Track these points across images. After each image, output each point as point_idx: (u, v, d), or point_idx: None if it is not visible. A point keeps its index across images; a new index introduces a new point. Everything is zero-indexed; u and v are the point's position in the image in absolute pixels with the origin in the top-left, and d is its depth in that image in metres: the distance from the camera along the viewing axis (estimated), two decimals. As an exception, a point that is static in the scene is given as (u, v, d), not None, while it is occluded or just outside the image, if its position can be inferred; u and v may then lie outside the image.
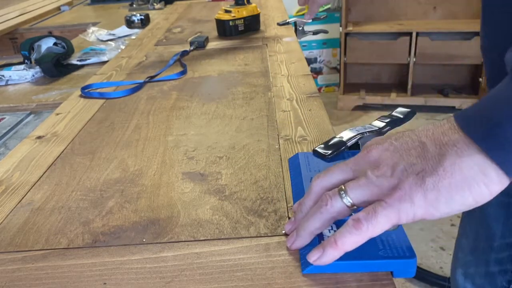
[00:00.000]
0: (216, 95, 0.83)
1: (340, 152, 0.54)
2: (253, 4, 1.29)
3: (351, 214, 0.41)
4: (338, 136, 0.56)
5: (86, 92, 0.89)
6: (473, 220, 0.77)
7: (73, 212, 0.51)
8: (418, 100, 2.75)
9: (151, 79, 0.94)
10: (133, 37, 1.42)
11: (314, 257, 0.37)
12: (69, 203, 0.53)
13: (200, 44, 1.17)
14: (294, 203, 0.48)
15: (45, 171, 0.61)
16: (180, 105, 0.80)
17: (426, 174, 0.34)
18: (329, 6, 3.05)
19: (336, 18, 3.02)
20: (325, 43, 3.13)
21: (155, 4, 1.90)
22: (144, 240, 0.45)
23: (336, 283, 0.37)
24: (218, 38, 1.27)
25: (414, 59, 2.66)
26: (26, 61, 1.14)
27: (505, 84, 0.34)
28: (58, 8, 2.08)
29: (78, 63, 1.16)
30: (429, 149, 0.34)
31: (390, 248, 0.38)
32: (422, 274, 1.55)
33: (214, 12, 1.43)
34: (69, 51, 1.18)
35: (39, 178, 0.59)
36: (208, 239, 0.44)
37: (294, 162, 0.56)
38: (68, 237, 0.47)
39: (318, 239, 0.40)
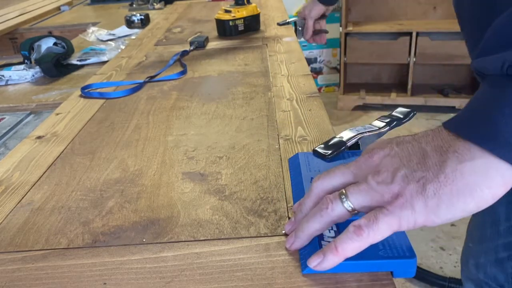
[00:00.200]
0: (216, 95, 0.83)
1: (340, 152, 0.54)
2: (253, 4, 1.29)
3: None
4: (338, 136, 0.56)
5: (86, 92, 0.89)
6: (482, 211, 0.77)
7: (73, 212, 0.51)
8: (418, 100, 2.75)
9: (151, 79, 0.94)
10: (133, 37, 1.42)
11: (314, 263, 0.37)
12: (69, 203, 0.53)
13: (200, 44, 1.17)
14: (294, 203, 0.48)
15: (45, 171, 0.61)
16: (180, 105, 0.80)
17: (427, 181, 0.34)
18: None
19: (336, 18, 3.02)
20: (325, 43, 3.13)
21: (155, 4, 1.90)
22: (144, 240, 0.45)
23: (336, 283, 0.37)
24: (218, 38, 1.27)
25: (414, 59, 2.66)
26: (26, 61, 1.14)
27: (487, 87, 0.35)
28: (58, 8, 2.08)
29: (78, 63, 1.16)
30: (430, 156, 0.34)
31: (390, 248, 0.38)
32: (422, 274, 1.55)
33: (214, 12, 1.43)
34: (69, 51, 1.18)
35: (39, 178, 0.59)
36: (208, 239, 0.44)
37: (294, 162, 0.56)
38: (68, 237, 0.47)
39: (318, 239, 0.40)
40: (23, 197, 0.55)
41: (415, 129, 2.55)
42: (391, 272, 0.38)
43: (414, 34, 2.59)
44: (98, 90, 0.90)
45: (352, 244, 0.35)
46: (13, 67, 1.11)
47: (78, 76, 1.09)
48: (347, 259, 0.37)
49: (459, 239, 1.72)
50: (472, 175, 0.32)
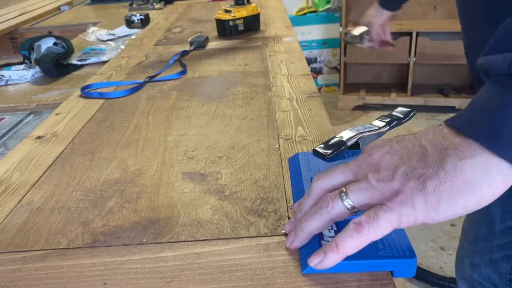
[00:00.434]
0: (216, 95, 0.83)
1: (340, 152, 0.54)
2: (253, 4, 1.29)
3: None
4: (338, 136, 0.56)
5: (86, 92, 0.89)
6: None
7: (73, 212, 0.51)
8: (418, 100, 2.75)
9: (151, 79, 0.94)
10: (133, 37, 1.42)
11: (315, 261, 0.37)
12: (69, 203, 0.53)
13: (200, 44, 1.17)
14: (294, 203, 0.48)
15: (45, 171, 0.61)
16: (180, 105, 0.80)
17: (427, 178, 0.34)
18: (329, 6, 3.05)
19: (336, 18, 3.02)
20: (325, 43, 3.14)
21: (155, 4, 1.90)
22: (144, 240, 0.45)
23: (336, 282, 0.37)
24: (218, 38, 1.27)
25: (414, 59, 2.66)
26: (26, 61, 1.14)
27: (492, 86, 0.35)
28: (58, 8, 2.08)
29: (78, 63, 1.16)
30: (430, 153, 0.35)
31: (390, 247, 0.38)
32: (422, 274, 1.55)
33: (214, 12, 1.43)
34: (69, 51, 1.18)
35: (39, 178, 0.59)
36: (208, 239, 0.44)
37: (294, 162, 0.56)
38: (68, 237, 0.47)
39: (318, 239, 0.40)
40: (23, 197, 0.55)
41: (415, 129, 2.55)
42: (391, 272, 0.38)
43: (414, 34, 2.59)
44: (98, 90, 0.90)
45: (352, 242, 0.35)
46: (13, 67, 1.11)
47: (78, 76, 1.09)
48: (347, 259, 0.37)
49: (459, 239, 1.72)
50: (473, 172, 0.32)
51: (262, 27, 1.33)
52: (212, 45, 1.20)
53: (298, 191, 0.49)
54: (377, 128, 0.56)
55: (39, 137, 0.71)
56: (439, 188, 0.33)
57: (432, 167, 0.34)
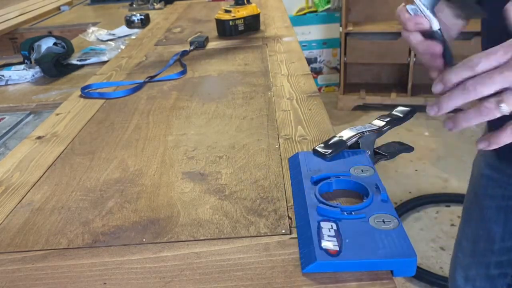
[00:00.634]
0: (216, 95, 0.83)
1: (340, 151, 0.54)
2: (253, 4, 1.29)
3: (344, 213, 0.41)
4: (338, 135, 0.56)
5: (86, 92, 0.89)
6: (472, 222, 0.77)
7: (73, 212, 0.51)
8: (418, 100, 2.74)
9: (151, 79, 0.94)
10: (133, 37, 1.42)
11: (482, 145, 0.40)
12: (69, 203, 0.53)
13: (200, 44, 1.17)
14: (294, 202, 0.48)
15: (45, 171, 0.61)
16: (180, 105, 0.80)
17: None
18: (329, 6, 3.05)
19: (336, 18, 3.02)
20: (325, 43, 3.14)
21: (155, 4, 1.90)
22: (144, 240, 0.45)
23: (336, 282, 0.37)
24: (218, 38, 1.27)
25: (414, 59, 2.66)
26: (26, 61, 1.14)
27: None
28: (58, 8, 2.08)
29: (78, 63, 1.16)
30: None
31: (390, 247, 0.38)
32: (422, 274, 1.55)
33: (214, 12, 1.43)
34: (69, 51, 1.18)
35: (39, 178, 0.59)
36: (208, 239, 0.44)
37: (294, 162, 0.56)
38: (68, 237, 0.47)
39: (318, 239, 0.40)
40: (23, 198, 0.55)
41: (415, 129, 2.55)
42: (391, 271, 0.38)
43: (414, 34, 2.59)
44: (98, 90, 0.90)
45: None
46: (13, 67, 1.11)
47: (78, 76, 1.09)
48: (347, 258, 0.37)
49: (459, 239, 1.72)
50: None
51: (262, 27, 1.33)
52: (212, 45, 1.20)
53: (298, 191, 0.49)
54: (377, 127, 0.56)
55: (39, 137, 0.71)
56: None
57: None
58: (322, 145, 0.56)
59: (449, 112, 0.43)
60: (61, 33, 1.65)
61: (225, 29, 1.26)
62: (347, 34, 2.72)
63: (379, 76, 3.04)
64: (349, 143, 0.55)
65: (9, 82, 1.08)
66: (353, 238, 0.40)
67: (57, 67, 1.10)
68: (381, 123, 0.56)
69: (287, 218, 0.46)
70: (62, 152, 0.66)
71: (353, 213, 0.43)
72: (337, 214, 0.43)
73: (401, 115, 0.58)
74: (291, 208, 0.48)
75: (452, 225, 1.80)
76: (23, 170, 0.61)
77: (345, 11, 2.71)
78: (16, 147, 0.69)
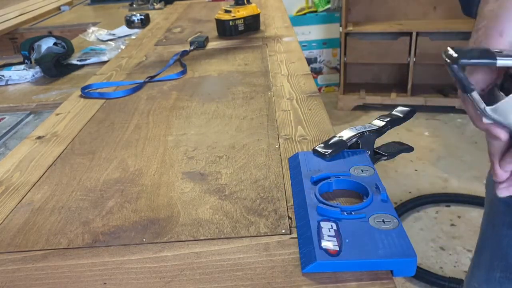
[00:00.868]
0: (216, 95, 0.83)
1: (340, 151, 0.54)
2: (253, 4, 1.29)
3: (344, 213, 0.41)
4: (338, 135, 0.56)
5: (86, 92, 0.89)
6: (487, 250, 0.76)
7: (73, 212, 0.51)
8: (418, 100, 2.74)
9: (151, 79, 0.94)
10: (133, 37, 1.42)
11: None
12: (69, 203, 0.53)
13: (200, 44, 1.17)
14: (294, 202, 0.48)
15: (45, 171, 0.61)
16: (180, 105, 0.80)
17: None
18: (329, 6, 3.06)
19: (336, 18, 3.02)
20: (325, 43, 3.14)
21: (155, 4, 1.90)
22: (144, 240, 0.45)
23: (336, 282, 0.37)
24: (218, 38, 1.27)
25: (414, 59, 2.66)
26: (26, 61, 1.14)
27: None
28: (58, 8, 2.08)
29: (78, 63, 1.16)
30: None
31: (390, 247, 0.38)
32: (422, 274, 1.55)
33: (214, 12, 1.43)
34: (69, 51, 1.18)
35: (39, 178, 0.59)
36: (208, 239, 0.44)
37: (294, 162, 0.56)
38: (68, 237, 0.47)
39: (318, 239, 0.40)
40: (23, 197, 0.55)
41: (416, 129, 2.55)
42: (391, 271, 0.38)
43: (414, 34, 2.59)
44: (98, 90, 0.90)
45: None
46: (13, 67, 1.11)
47: (78, 76, 1.09)
48: (347, 258, 0.37)
49: (459, 239, 1.72)
50: None
51: (262, 27, 1.33)
52: (212, 45, 1.20)
53: (298, 191, 0.49)
54: (377, 127, 0.56)
55: (39, 137, 0.71)
56: None
57: None
58: (322, 145, 0.56)
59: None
60: (61, 33, 1.65)
61: (225, 29, 1.26)
62: (347, 34, 2.72)
63: (379, 76, 3.04)
64: (349, 143, 0.55)
65: (9, 82, 1.08)
66: (353, 238, 0.40)
67: (57, 67, 1.10)
68: (381, 123, 0.56)
69: (287, 218, 0.46)
70: (62, 152, 0.66)
71: (353, 213, 0.43)
72: (337, 214, 0.43)
73: (401, 115, 0.58)
74: (291, 208, 0.48)
75: (452, 225, 1.80)
76: (23, 170, 0.61)
77: (345, 11, 2.71)
78: (16, 147, 0.69)
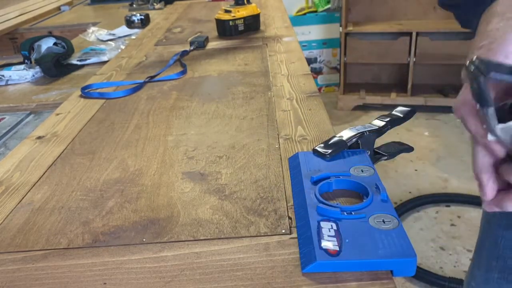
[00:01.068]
0: (216, 95, 0.83)
1: (340, 151, 0.54)
2: (253, 4, 1.29)
3: (344, 213, 0.41)
4: (338, 135, 0.56)
5: (86, 92, 0.89)
6: (485, 251, 0.76)
7: (73, 212, 0.51)
8: (418, 100, 2.74)
9: (151, 79, 0.94)
10: (133, 37, 1.42)
11: None
12: (69, 203, 0.53)
13: (200, 44, 1.17)
14: (294, 202, 0.48)
15: (45, 171, 0.61)
16: (180, 105, 0.80)
17: None
18: (329, 6, 3.06)
19: (336, 18, 3.02)
20: (325, 43, 3.14)
21: (155, 4, 1.90)
22: (144, 240, 0.45)
23: (336, 282, 0.37)
24: (218, 38, 1.27)
25: (414, 59, 2.66)
26: (26, 61, 1.14)
27: None
28: (58, 8, 2.08)
29: (78, 63, 1.16)
30: None
31: (390, 247, 0.38)
32: (422, 274, 1.55)
33: (214, 12, 1.43)
34: (69, 51, 1.18)
35: (39, 178, 0.59)
36: (208, 239, 0.44)
37: (294, 162, 0.56)
38: (68, 237, 0.47)
39: (318, 239, 0.40)
40: (23, 197, 0.55)
41: (415, 129, 2.55)
42: (391, 271, 0.38)
43: (414, 34, 2.59)
44: (98, 90, 0.90)
45: None
46: (13, 67, 1.11)
47: (78, 76, 1.09)
48: (347, 258, 0.37)
49: (459, 239, 1.72)
50: None
51: (262, 27, 1.33)
52: (212, 45, 1.20)
53: (298, 191, 0.49)
54: (377, 127, 0.56)
55: (39, 137, 0.71)
56: None
57: None
58: (322, 145, 0.56)
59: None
60: (61, 33, 1.65)
61: (225, 29, 1.26)
62: (347, 34, 2.72)
63: (379, 76, 3.04)
64: (349, 143, 0.55)
65: (9, 82, 1.08)
66: (353, 238, 0.40)
67: (57, 67, 1.10)
68: (381, 123, 0.56)
69: (287, 218, 0.46)
70: (62, 152, 0.66)
71: (353, 213, 0.43)
72: (337, 214, 0.43)
73: (401, 115, 0.58)
74: (291, 208, 0.48)
75: (452, 225, 1.80)
76: (23, 170, 0.61)
77: (345, 11, 2.71)
78: (16, 147, 0.69)
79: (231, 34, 1.26)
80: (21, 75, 1.08)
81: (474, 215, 1.84)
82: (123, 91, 0.88)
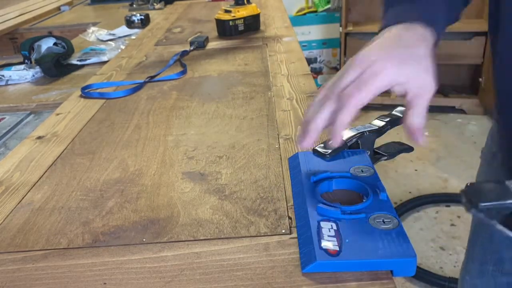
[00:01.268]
0: (216, 95, 0.83)
1: (340, 151, 0.54)
2: (253, 4, 1.29)
3: (344, 213, 0.41)
4: (338, 135, 0.56)
5: (86, 92, 0.89)
6: (479, 244, 0.77)
7: (73, 212, 0.51)
8: (418, 100, 2.74)
9: (151, 79, 0.94)
10: (133, 37, 1.42)
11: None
12: (69, 203, 0.53)
13: (200, 44, 1.17)
14: (294, 202, 0.48)
15: (45, 171, 0.61)
16: (180, 105, 0.80)
17: None
18: (329, 6, 3.06)
19: (336, 18, 3.02)
20: (325, 43, 3.13)
21: (155, 4, 1.90)
22: (144, 240, 0.45)
23: (336, 282, 0.37)
24: (218, 38, 1.27)
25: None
26: (26, 61, 1.14)
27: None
28: (58, 8, 2.08)
29: (78, 63, 1.16)
30: None
31: (390, 247, 0.38)
32: (422, 274, 1.55)
33: (214, 12, 1.43)
34: (69, 51, 1.18)
35: (39, 178, 0.59)
36: (208, 239, 0.44)
37: (294, 162, 0.56)
38: (68, 237, 0.47)
39: (318, 239, 0.40)
40: (23, 197, 0.55)
41: (415, 129, 2.55)
42: (391, 271, 0.38)
43: (414, 34, 2.59)
44: (98, 90, 0.90)
45: None
46: (13, 67, 1.11)
47: (78, 76, 1.09)
48: (347, 258, 0.37)
49: (459, 239, 1.72)
50: None
51: (262, 27, 1.33)
52: (212, 45, 1.20)
53: (298, 191, 0.49)
54: (377, 127, 0.56)
55: (39, 137, 0.71)
56: None
57: None
58: (322, 145, 0.56)
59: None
60: (61, 33, 1.65)
61: (225, 29, 1.26)
62: (347, 34, 2.72)
63: (379, 76, 3.03)
64: (349, 143, 0.55)
65: (9, 82, 1.08)
66: (353, 238, 0.40)
67: (57, 67, 1.10)
68: (381, 123, 0.56)
69: (287, 218, 0.46)
70: (62, 152, 0.66)
71: (353, 213, 0.43)
72: (337, 214, 0.43)
73: (401, 115, 0.58)
74: (291, 208, 0.48)
75: (452, 225, 1.80)
76: (23, 170, 0.61)
77: (345, 11, 2.71)
78: (16, 147, 0.69)
79: (231, 34, 1.26)
80: (21, 75, 1.08)
81: (474, 215, 1.83)
82: (123, 91, 0.88)
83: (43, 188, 0.56)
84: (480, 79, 2.69)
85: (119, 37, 1.43)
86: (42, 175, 0.60)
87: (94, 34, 1.45)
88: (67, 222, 0.49)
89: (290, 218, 0.46)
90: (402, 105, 0.60)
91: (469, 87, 2.84)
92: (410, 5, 0.55)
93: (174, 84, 0.91)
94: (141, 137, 0.68)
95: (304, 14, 3.14)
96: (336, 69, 3.17)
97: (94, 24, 1.62)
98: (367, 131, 0.55)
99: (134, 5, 1.94)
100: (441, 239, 1.73)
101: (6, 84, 1.07)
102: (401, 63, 0.45)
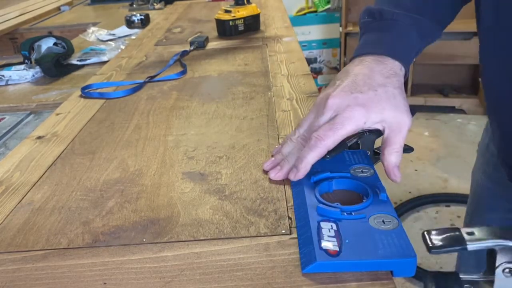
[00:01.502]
0: (216, 95, 0.83)
1: (340, 151, 0.54)
2: (253, 4, 1.29)
3: (344, 213, 0.41)
4: (338, 135, 0.56)
5: (86, 92, 0.89)
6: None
7: (73, 212, 0.51)
8: (418, 100, 2.75)
9: (151, 79, 0.94)
10: (133, 37, 1.42)
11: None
12: (69, 203, 0.53)
13: (200, 44, 1.17)
14: (294, 202, 0.49)
15: (45, 171, 0.61)
16: (180, 105, 0.80)
17: None
18: (329, 6, 3.06)
19: (336, 18, 3.02)
20: (325, 43, 3.14)
21: (155, 4, 1.90)
22: (144, 240, 0.45)
23: (336, 282, 0.37)
24: (218, 38, 1.27)
25: (414, 59, 2.66)
26: (26, 61, 1.14)
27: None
28: (58, 8, 2.08)
29: (78, 63, 1.16)
30: None
31: (390, 247, 0.38)
32: (422, 274, 1.55)
33: (214, 12, 1.43)
34: (69, 51, 1.18)
35: (39, 178, 0.59)
36: (208, 239, 0.44)
37: (294, 162, 0.56)
38: (68, 237, 0.47)
39: (318, 239, 0.40)
40: (23, 197, 0.55)
41: (415, 129, 2.55)
42: (391, 271, 0.38)
43: (414, 34, 2.59)
44: (98, 90, 0.90)
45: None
46: (13, 67, 1.11)
47: (78, 76, 1.09)
48: (347, 258, 0.37)
49: (459, 239, 1.71)
50: None
51: (262, 27, 1.33)
52: (212, 45, 1.20)
53: (298, 191, 0.49)
54: (377, 128, 0.56)
55: (39, 137, 0.71)
56: None
57: None
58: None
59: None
60: (61, 33, 1.65)
61: (225, 29, 1.26)
62: (347, 34, 2.72)
63: (379, 76, 3.04)
64: (349, 143, 0.55)
65: (9, 82, 1.08)
66: (353, 238, 0.40)
67: (57, 67, 1.10)
68: (381, 123, 0.56)
69: (287, 218, 0.46)
70: (62, 152, 0.66)
71: (353, 213, 0.43)
72: (337, 214, 0.43)
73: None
74: (291, 208, 0.48)
75: (452, 225, 1.80)
76: (23, 170, 0.62)
77: (345, 11, 2.72)
78: (16, 147, 0.69)
79: (231, 34, 1.26)
80: (21, 75, 1.08)
81: (474, 215, 1.84)
82: (123, 91, 0.88)
83: (43, 188, 0.56)
84: (480, 79, 2.69)
85: (119, 37, 1.43)
86: (42, 175, 0.60)
87: (94, 34, 1.45)
88: (67, 222, 0.49)
89: (290, 218, 0.46)
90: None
91: (469, 87, 2.84)
92: (384, 34, 0.56)
93: (174, 84, 0.91)
94: (141, 137, 0.68)
95: (304, 14, 3.15)
96: (336, 69, 3.18)
97: (94, 24, 1.62)
98: (367, 131, 0.55)
99: (134, 5, 1.94)
100: (441, 239, 1.73)
101: (6, 84, 1.07)
102: (374, 107, 0.48)
